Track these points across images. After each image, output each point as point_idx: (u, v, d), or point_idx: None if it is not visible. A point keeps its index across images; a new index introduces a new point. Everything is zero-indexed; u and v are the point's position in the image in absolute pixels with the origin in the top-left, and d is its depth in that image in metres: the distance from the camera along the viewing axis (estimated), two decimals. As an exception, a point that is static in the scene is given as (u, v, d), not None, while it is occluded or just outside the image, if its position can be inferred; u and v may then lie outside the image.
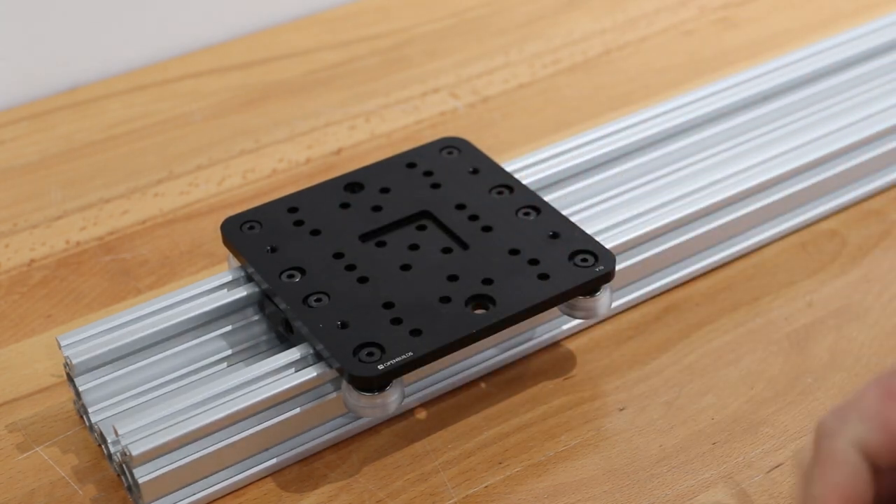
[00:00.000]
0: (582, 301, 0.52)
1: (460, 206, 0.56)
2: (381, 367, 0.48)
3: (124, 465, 0.48)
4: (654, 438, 0.51)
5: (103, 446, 0.50)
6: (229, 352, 0.54)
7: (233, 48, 0.83)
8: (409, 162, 0.59)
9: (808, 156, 0.62)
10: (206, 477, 0.49)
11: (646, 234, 0.57)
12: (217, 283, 0.54)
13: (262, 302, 0.54)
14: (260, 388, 0.49)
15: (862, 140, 0.64)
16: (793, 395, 0.53)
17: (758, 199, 0.61)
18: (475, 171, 0.58)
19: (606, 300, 0.53)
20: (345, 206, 0.57)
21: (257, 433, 0.49)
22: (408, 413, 0.53)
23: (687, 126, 0.65)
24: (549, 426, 0.52)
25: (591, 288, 0.52)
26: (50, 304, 0.60)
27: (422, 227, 0.56)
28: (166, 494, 0.48)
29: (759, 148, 0.63)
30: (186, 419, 0.48)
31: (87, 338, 0.52)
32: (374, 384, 0.48)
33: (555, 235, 0.54)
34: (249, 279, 0.54)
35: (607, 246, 0.54)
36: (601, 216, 0.58)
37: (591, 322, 0.57)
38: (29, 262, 0.64)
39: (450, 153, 0.60)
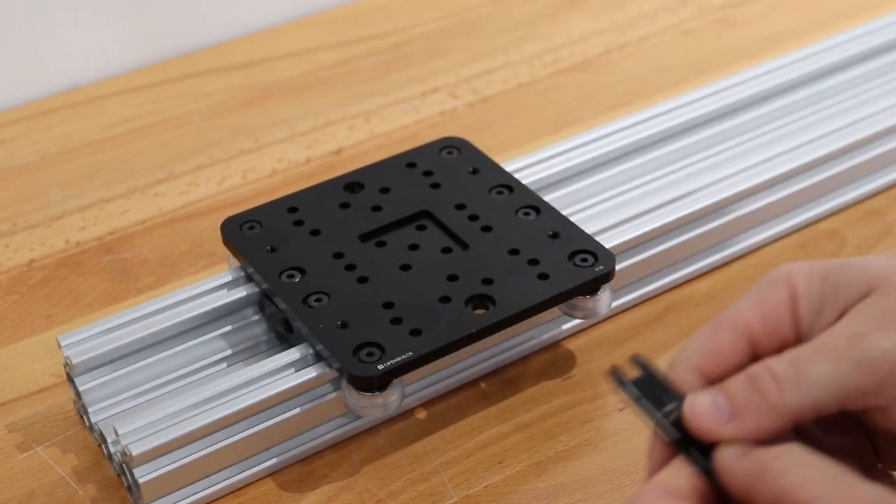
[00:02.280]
0: (582, 301, 0.52)
1: (460, 206, 0.56)
2: (380, 367, 0.48)
3: (124, 465, 0.48)
4: (654, 438, 0.51)
5: (103, 446, 0.50)
6: (229, 352, 0.54)
7: (233, 48, 0.83)
8: (408, 162, 0.59)
9: (808, 156, 0.62)
10: (206, 477, 0.49)
11: (646, 234, 0.57)
12: (217, 283, 0.54)
13: (262, 302, 0.54)
14: (260, 388, 0.49)
15: (862, 140, 0.64)
16: (793, 394, 0.53)
17: (758, 198, 0.61)
18: (475, 171, 0.58)
19: (606, 300, 0.53)
20: (345, 206, 0.57)
21: (257, 433, 0.49)
22: (408, 413, 0.53)
23: (687, 126, 0.65)
24: (549, 426, 0.52)
25: (590, 288, 0.52)
26: (50, 304, 0.60)
27: (422, 227, 0.55)
28: (166, 494, 0.48)
29: (758, 148, 0.63)
30: (186, 419, 0.48)
31: (87, 338, 0.52)
32: (374, 384, 0.48)
33: (555, 235, 0.54)
34: (249, 279, 0.54)
35: (607, 246, 0.54)
36: (601, 216, 0.58)
37: (591, 322, 0.57)
38: (29, 262, 0.64)
39: (450, 153, 0.60)
